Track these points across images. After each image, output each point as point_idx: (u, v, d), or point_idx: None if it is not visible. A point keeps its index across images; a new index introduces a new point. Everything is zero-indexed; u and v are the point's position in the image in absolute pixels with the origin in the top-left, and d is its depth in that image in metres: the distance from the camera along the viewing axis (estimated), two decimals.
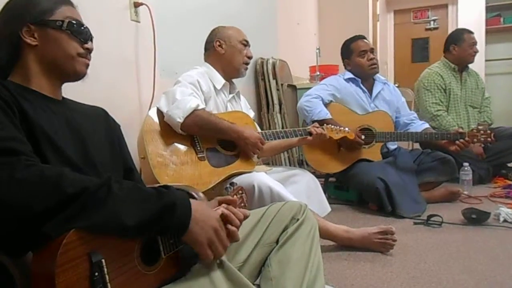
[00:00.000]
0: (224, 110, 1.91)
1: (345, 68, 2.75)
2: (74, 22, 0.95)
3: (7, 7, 0.94)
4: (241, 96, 2.11)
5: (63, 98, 1.00)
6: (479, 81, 3.33)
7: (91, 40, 1.00)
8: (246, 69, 2.00)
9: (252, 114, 2.08)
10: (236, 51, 1.93)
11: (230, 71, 1.96)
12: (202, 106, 1.70)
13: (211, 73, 1.91)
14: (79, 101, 1.06)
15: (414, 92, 3.35)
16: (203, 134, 1.74)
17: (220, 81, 1.91)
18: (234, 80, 2.03)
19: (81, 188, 0.68)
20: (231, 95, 1.98)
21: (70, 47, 0.95)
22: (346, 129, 2.21)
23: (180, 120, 1.64)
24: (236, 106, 2.01)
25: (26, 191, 0.65)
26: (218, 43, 1.94)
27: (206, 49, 2.00)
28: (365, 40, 2.69)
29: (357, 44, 2.65)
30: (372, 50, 2.63)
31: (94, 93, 1.47)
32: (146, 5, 2.07)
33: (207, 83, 1.86)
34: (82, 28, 0.97)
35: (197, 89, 1.77)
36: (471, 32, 3.21)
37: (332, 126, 2.16)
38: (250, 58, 1.99)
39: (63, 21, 0.94)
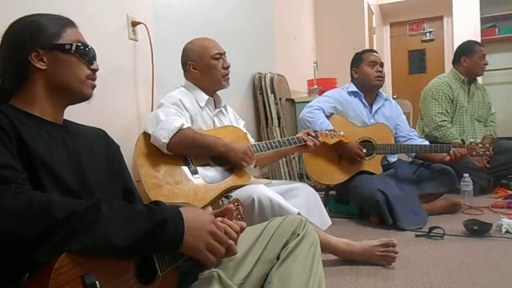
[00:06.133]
0: (212, 125, 1.90)
1: (352, 77, 2.78)
2: (81, 44, 0.97)
3: (11, 34, 0.94)
4: (228, 108, 2.09)
5: (64, 120, 1.00)
6: (486, 95, 3.34)
7: (95, 59, 1.02)
8: (227, 79, 1.96)
9: (242, 123, 2.07)
10: (211, 69, 1.89)
11: (211, 87, 1.94)
12: (187, 125, 1.69)
13: (193, 91, 1.90)
14: (77, 120, 1.06)
15: (420, 99, 3.35)
16: (190, 153, 1.72)
17: (203, 98, 1.90)
18: (224, 94, 2.01)
19: (70, 212, 0.68)
20: (217, 110, 1.97)
21: (80, 71, 0.97)
22: (341, 132, 2.21)
23: (166, 140, 1.63)
24: (224, 120, 2.00)
25: (15, 219, 0.65)
26: (192, 66, 1.91)
27: (183, 69, 1.98)
28: (377, 54, 2.75)
29: (369, 55, 2.72)
30: (381, 64, 2.68)
31: (92, 112, 1.47)
32: (144, 24, 2.10)
33: (191, 101, 1.85)
34: (88, 49, 0.99)
35: (180, 109, 1.76)
36: (482, 45, 3.23)
37: (327, 131, 2.16)
38: (227, 68, 1.94)
39: (71, 45, 0.95)
